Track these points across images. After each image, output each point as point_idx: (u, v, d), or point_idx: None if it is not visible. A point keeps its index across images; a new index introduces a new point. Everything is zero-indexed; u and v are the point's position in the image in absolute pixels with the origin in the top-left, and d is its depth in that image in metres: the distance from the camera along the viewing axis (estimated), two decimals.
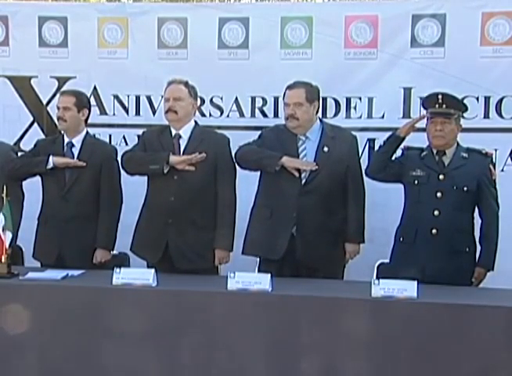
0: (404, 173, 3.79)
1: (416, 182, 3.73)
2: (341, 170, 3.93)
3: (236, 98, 4.93)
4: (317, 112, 4.04)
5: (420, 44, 4.70)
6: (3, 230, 3.56)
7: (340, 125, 4.21)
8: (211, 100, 4.93)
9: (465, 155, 3.75)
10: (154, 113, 4.99)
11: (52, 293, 3.40)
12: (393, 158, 3.85)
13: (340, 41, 4.78)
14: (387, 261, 3.93)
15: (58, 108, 4.09)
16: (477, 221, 3.80)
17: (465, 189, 3.68)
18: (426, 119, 3.79)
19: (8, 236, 3.56)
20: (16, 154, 4.38)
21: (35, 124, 5.13)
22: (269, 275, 3.31)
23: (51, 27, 5.04)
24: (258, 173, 4.03)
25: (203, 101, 4.70)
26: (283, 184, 3.87)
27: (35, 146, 4.22)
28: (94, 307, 3.35)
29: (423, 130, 3.83)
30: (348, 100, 4.84)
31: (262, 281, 3.28)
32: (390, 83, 4.76)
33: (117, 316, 3.32)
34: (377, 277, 3.72)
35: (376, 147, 4.44)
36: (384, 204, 4.46)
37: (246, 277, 3.31)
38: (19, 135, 5.09)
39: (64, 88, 4.84)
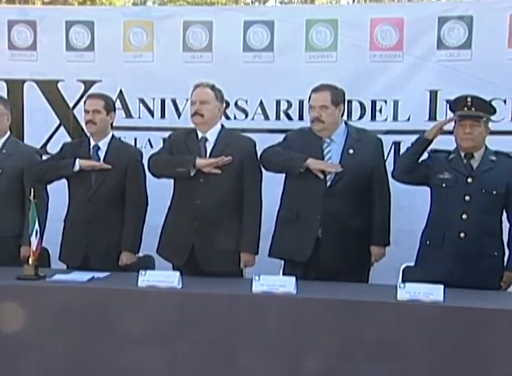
0: (431, 176, 3.76)
1: (443, 184, 3.70)
2: (366, 172, 3.91)
3: (261, 101, 4.94)
4: (342, 115, 4.03)
5: (447, 46, 4.68)
6: (30, 233, 3.60)
7: (365, 128, 4.19)
8: (236, 103, 4.94)
9: (493, 158, 3.71)
10: (179, 116, 5.01)
11: (77, 295, 3.42)
12: (420, 161, 3.82)
13: (365, 44, 4.77)
14: (413, 264, 3.90)
15: (87, 111, 4.10)
16: (506, 225, 3.75)
17: (494, 192, 3.64)
18: (454, 122, 3.76)
19: (35, 239, 3.60)
20: (41, 157, 4.41)
21: (61, 128, 5.17)
22: (294, 278, 3.30)
23: (78, 31, 5.08)
24: (283, 175, 4.02)
25: (227, 104, 4.71)
26: (308, 186, 3.86)
27: (61, 149, 4.25)
28: (119, 309, 3.36)
29: (450, 133, 3.80)
30: (374, 103, 4.82)
31: (287, 284, 3.28)
32: (415, 85, 4.74)
33: (142, 319, 3.33)
34: (403, 280, 3.69)
35: (402, 150, 4.42)
36: (410, 206, 4.44)
37: (271, 280, 3.30)
38: (45, 138, 5.14)
39: (90, 91, 4.88)
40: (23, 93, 5.16)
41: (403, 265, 4.08)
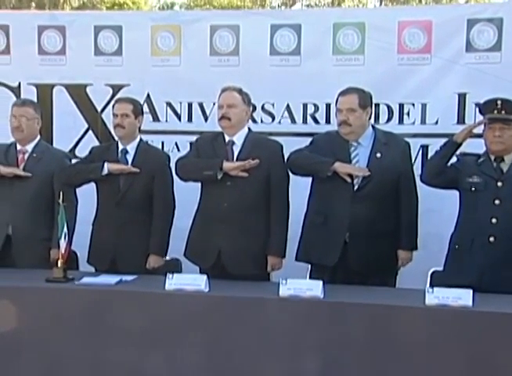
0: (460, 179, 3.72)
1: (472, 188, 3.67)
2: (394, 176, 3.89)
3: (288, 104, 4.94)
4: (369, 118, 4.01)
5: (476, 48, 4.64)
6: (59, 236, 3.64)
7: (392, 131, 4.17)
8: (263, 107, 4.94)
9: None
10: (206, 119, 5.03)
11: (105, 298, 3.44)
12: (448, 164, 3.79)
13: (393, 47, 4.75)
14: (441, 268, 3.87)
15: (115, 115, 4.13)
16: None
17: None
18: (483, 125, 3.72)
19: (64, 242, 3.63)
20: (70, 161, 4.45)
21: (90, 131, 5.22)
22: (321, 282, 3.29)
23: (106, 35, 5.13)
24: (310, 179, 4.01)
25: (254, 108, 4.71)
26: (335, 190, 3.85)
27: (90, 152, 4.28)
28: (146, 312, 3.37)
29: (479, 136, 3.76)
30: (401, 106, 4.80)
31: (314, 288, 3.27)
32: (444, 88, 4.71)
33: (169, 322, 3.35)
34: (431, 285, 3.66)
35: (430, 154, 4.39)
36: (438, 210, 4.42)
37: (299, 284, 3.30)
38: (74, 142, 5.18)
39: (118, 95, 4.92)
40: (52, 97, 5.22)
41: (431, 270, 4.04)
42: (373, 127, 4.03)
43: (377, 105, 4.58)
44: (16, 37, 5.22)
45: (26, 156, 4.29)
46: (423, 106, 4.76)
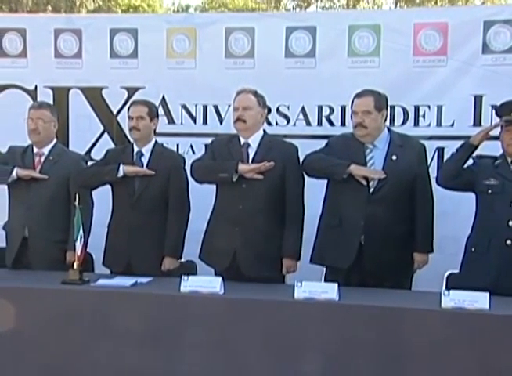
0: (476, 182, 3.70)
1: (489, 191, 3.64)
2: (409, 178, 3.87)
3: (303, 107, 4.93)
4: (385, 120, 4.00)
5: (492, 50, 4.62)
6: (75, 238, 3.65)
7: (407, 134, 4.15)
8: (278, 109, 4.94)
9: None
10: (221, 122, 5.04)
11: (121, 300, 3.45)
12: (465, 167, 3.76)
13: (408, 49, 4.74)
14: (457, 271, 3.85)
15: (130, 118, 4.15)
16: None
17: None
18: (500, 127, 3.70)
19: (80, 244, 3.65)
20: (86, 163, 4.47)
21: (105, 134, 5.24)
22: (336, 284, 3.29)
23: (122, 38, 5.15)
24: (325, 181, 4.01)
25: (269, 110, 4.71)
26: (350, 192, 3.84)
27: (106, 155, 4.30)
28: (161, 314, 3.38)
29: (495, 138, 3.74)
30: (417, 108, 4.78)
31: (329, 290, 3.26)
32: (460, 91, 4.68)
33: (184, 324, 3.35)
34: (447, 288, 3.64)
35: (446, 156, 4.37)
36: (454, 212, 4.40)
37: (314, 286, 3.29)
38: (90, 145, 5.20)
39: (134, 98, 4.93)
40: (68, 100, 5.24)
41: (447, 272, 4.01)
42: (388, 129, 4.02)
43: (393, 107, 4.56)
44: (33, 40, 5.26)
45: (42, 158, 4.32)
46: (439, 108, 4.73)
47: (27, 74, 5.28)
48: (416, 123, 4.79)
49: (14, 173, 4.19)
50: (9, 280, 3.80)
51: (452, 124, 4.72)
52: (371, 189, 3.84)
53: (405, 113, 4.78)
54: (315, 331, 3.23)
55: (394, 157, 3.87)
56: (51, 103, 4.91)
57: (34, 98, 5.21)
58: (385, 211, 3.80)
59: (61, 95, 5.23)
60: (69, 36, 5.21)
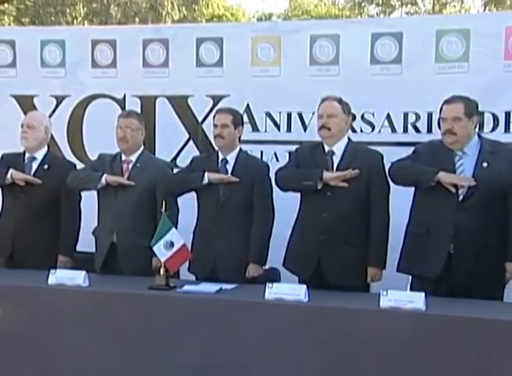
0: None
1: None
2: (501, 186, 3.74)
3: (388, 113, 4.86)
4: (475, 127, 3.89)
5: None
6: (157, 243, 3.71)
7: (499, 140, 4.03)
8: (362, 116, 4.89)
9: None
10: (305, 129, 5.02)
11: (206, 306, 3.48)
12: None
13: (499, 54, 4.60)
14: None
15: (215, 126, 4.20)
16: None
17: None
18: None
19: (166, 250, 3.71)
20: (172, 171, 4.54)
21: (191, 142, 5.30)
22: (423, 294, 3.22)
23: (207, 47, 5.21)
24: (412, 189, 3.93)
25: (354, 117, 4.66)
26: (439, 200, 3.75)
27: (191, 162, 4.36)
28: (246, 321, 3.40)
29: None
30: (507, 114, 4.64)
31: (416, 300, 3.20)
32: None
33: (268, 331, 3.35)
34: None
35: None
36: None
37: (400, 295, 3.24)
38: (175, 152, 5.29)
39: (219, 106, 4.98)
40: (155, 109, 5.34)
41: None
42: (478, 136, 3.90)
43: (482, 113, 4.43)
44: (123, 50, 5.39)
45: (130, 166, 4.41)
46: None
47: (116, 83, 5.42)
48: (507, 129, 4.64)
49: (103, 179, 4.30)
50: (97, 285, 3.86)
51: None
52: (460, 197, 3.74)
53: (495, 119, 4.64)
54: (401, 341, 3.16)
55: (485, 164, 3.76)
56: (139, 111, 5.02)
57: (123, 107, 5.34)
58: (475, 219, 3.69)
59: (148, 103, 5.33)
60: (157, 46, 5.32)
